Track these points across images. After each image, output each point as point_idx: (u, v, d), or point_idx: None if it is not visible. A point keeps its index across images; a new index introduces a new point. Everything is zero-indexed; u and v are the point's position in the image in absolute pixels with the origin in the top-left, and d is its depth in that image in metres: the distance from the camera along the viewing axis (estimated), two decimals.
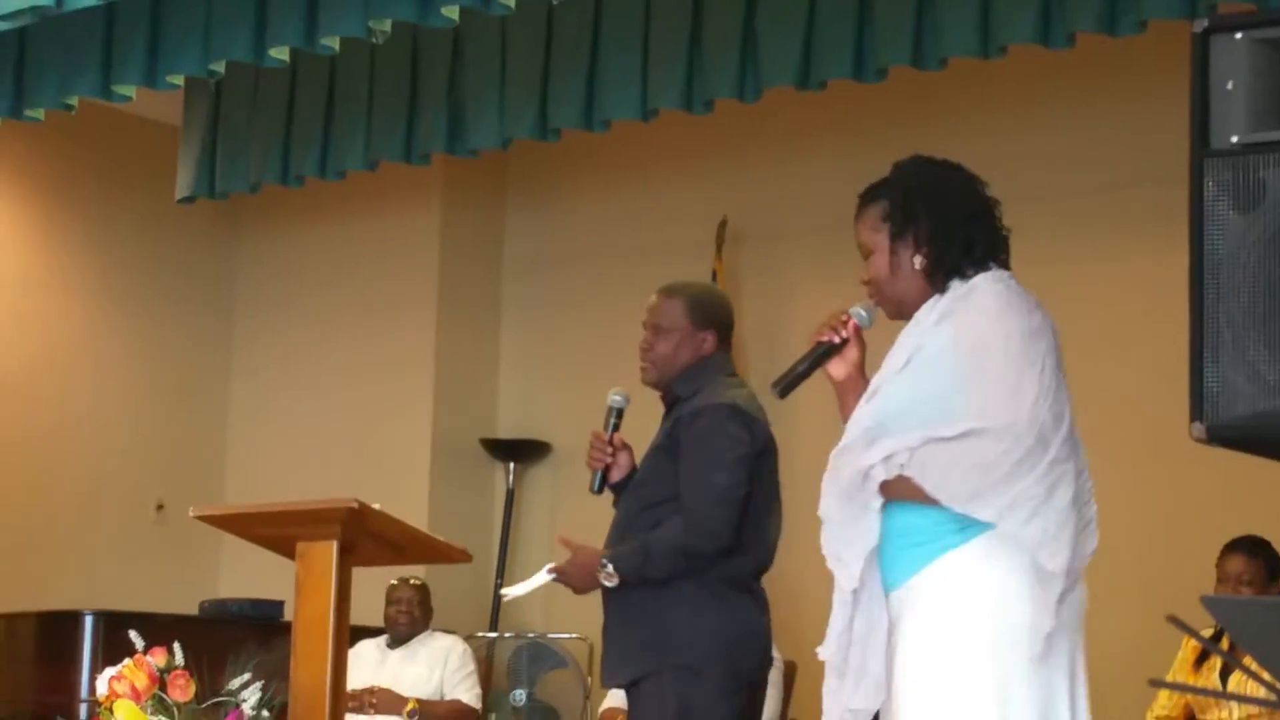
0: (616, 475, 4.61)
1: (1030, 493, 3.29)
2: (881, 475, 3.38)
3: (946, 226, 3.50)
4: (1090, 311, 6.77)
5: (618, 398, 4.63)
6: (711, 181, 8.29)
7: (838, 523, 3.46)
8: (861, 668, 3.47)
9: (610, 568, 4.39)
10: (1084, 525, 3.39)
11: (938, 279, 3.50)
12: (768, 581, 4.64)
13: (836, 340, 3.61)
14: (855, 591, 3.48)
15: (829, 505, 3.46)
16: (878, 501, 3.40)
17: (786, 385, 3.64)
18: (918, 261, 3.52)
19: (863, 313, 3.62)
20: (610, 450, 4.60)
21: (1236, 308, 3.19)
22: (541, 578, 4.55)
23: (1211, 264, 3.23)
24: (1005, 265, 3.54)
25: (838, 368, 3.62)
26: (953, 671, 3.32)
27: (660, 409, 4.66)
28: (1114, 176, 7.04)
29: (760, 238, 8.12)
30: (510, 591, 4.69)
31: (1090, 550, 3.40)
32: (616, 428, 4.63)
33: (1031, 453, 3.29)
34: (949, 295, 3.48)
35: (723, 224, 8.04)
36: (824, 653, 3.55)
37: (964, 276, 3.48)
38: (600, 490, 4.62)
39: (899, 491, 3.38)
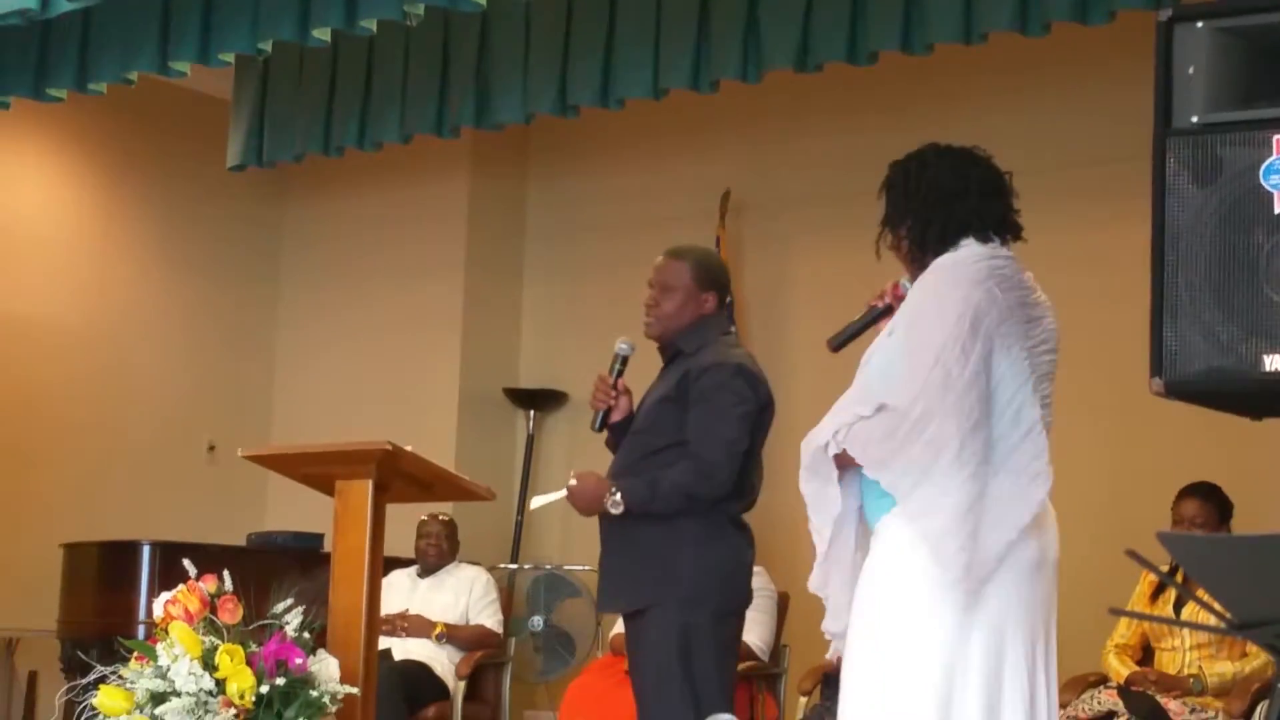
0: (616, 416, 4.62)
1: (915, 460, 3.30)
2: (834, 449, 3.43)
3: (915, 212, 3.55)
4: (1060, 278, 6.75)
5: (624, 346, 4.64)
6: (716, 155, 8.27)
7: (808, 495, 3.51)
8: (841, 593, 3.51)
9: (618, 496, 4.40)
10: (1032, 476, 3.36)
11: (915, 259, 3.56)
12: (765, 520, 4.66)
13: (881, 305, 3.67)
14: (833, 528, 3.51)
15: (801, 481, 3.51)
16: (834, 472, 3.44)
17: (841, 342, 3.73)
18: (903, 247, 3.59)
19: (907, 284, 3.65)
20: (613, 393, 4.61)
21: (1194, 273, 3.19)
22: (559, 495, 4.57)
23: (1172, 234, 3.22)
24: (988, 239, 3.52)
25: (886, 328, 3.67)
26: (883, 611, 3.36)
27: (657, 363, 4.67)
28: (1084, 153, 7.02)
29: (760, 208, 8.11)
30: (535, 502, 4.74)
31: (1039, 498, 3.35)
32: (620, 373, 4.63)
33: (918, 424, 3.29)
34: (926, 269, 3.52)
35: (726, 195, 8.02)
36: (811, 585, 3.60)
37: (935, 251, 3.52)
38: (601, 428, 4.64)
39: (847, 461, 3.43)
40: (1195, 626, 4.93)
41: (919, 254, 3.54)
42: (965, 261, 3.46)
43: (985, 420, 3.32)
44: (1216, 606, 1.84)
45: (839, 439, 3.42)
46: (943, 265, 3.47)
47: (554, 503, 4.65)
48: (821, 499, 3.49)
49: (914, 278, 3.58)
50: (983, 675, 3.28)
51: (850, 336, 3.72)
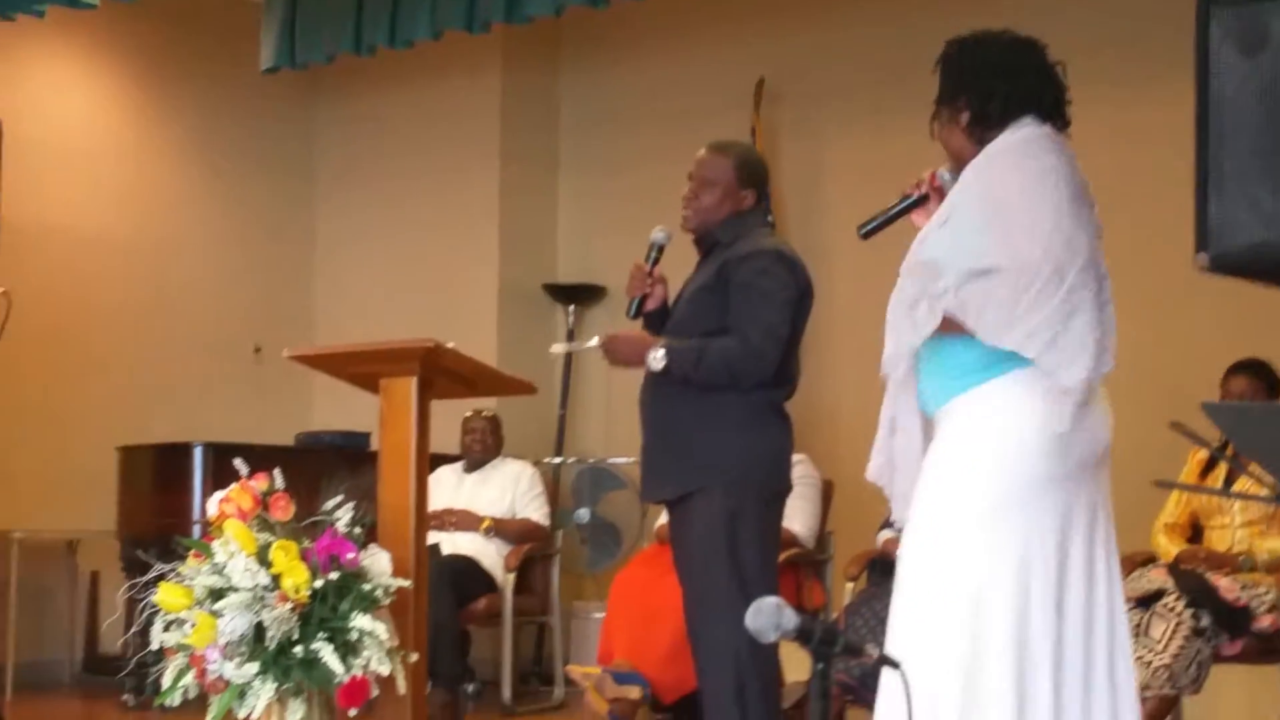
0: (651, 304, 4.61)
1: (1049, 321, 3.28)
2: (925, 309, 3.40)
3: (975, 87, 3.51)
4: (1105, 154, 6.69)
5: (660, 234, 4.62)
6: (749, 44, 8.20)
7: (891, 325, 3.48)
8: (906, 483, 3.50)
9: (662, 353, 4.39)
10: (1102, 351, 3.37)
11: (975, 135, 3.51)
12: (807, 408, 4.66)
13: (917, 194, 3.63)
14: (892, 419, 3.51)
15: (890, 311, 3.48)
16: (927, 327, 3.41)
17: (871, 229, 3.69)
18: (963, 120, 3.53)
19: (945, 175, 3.62)
20: (649, 280, 4.61)
21: (1239, 146, 3.14)
22: (591, 343, 4.56)
23: (1216, 106, 3.17)
24: (1046, 118, 3.50)
25: (920, 218, 3.66)
26: (955, 492, 3.35)
27: (692, 258, 4.65)
28: (1127, 28, 6.92)
29: (795, 96, 8.05)
30: (557, 348, 4.74)
31: (1106, 370, 3.38)
32: (657, 261, 4.62)
33: (1049, 284, 3.28)
34: (985, 150, 3.48)
35: (760, 84, 7.96)
36: (869, 474, 3.59)
37: (998, 126, 3.48)
38: (636, 316, 4.62)
39: (945, 326, 3.39)
40: (1245, 497, 4.92)
41: (979, 129, 3.50)
42: (1033, 138, 3.45)
43: (1094, 281, 3.35)
44: (1268, 479, 1.83)
45: (944, 304, 3.37)
46: (1012, 144, 3.45)
47: (586, 350, 4.62)
48: (903, 327, 3.46)
49: (960, 163, 3.54)
50: (1056, 551, 3.30)
51: (882, 224, 3.68)
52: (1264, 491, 1.93)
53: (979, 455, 3.34)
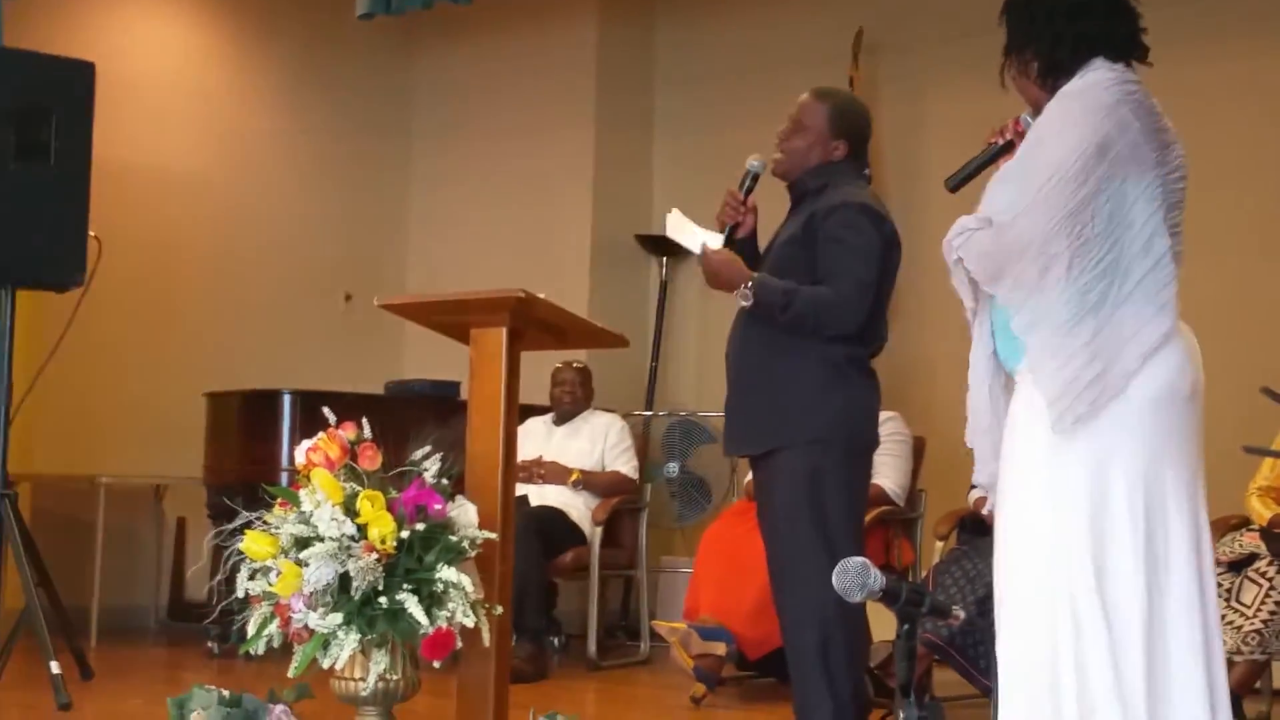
0: (742, 232, 4.61)
1: (1022, 277, 3.25)
2: (951, 253, 3.41)
3: (1041, 32, 3.44)
4: (1206, 114, 6.61)
5: (755, 163, 4.62)
6: None
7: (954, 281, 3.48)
8: (980, 443, 3.48)
9: (751, 288, 4.39)
10: (1159, 306, 3.26)
11: (1047, 84, 3.44)
12: (899, 364, 4.64)
13: (1002, 141, 3.59)
14: (970, 374, 3.48)
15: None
16: (961, 272, 3.41)
17: (959, 181, 3.65)
18: (1032, 71, 3.48)
19: (1029, 120, 3.58)
20: (742, 209, 4.61)
21: None
22: (694, 245, 4.54)
23: None
24: (1119, 59, 3.41)
25: None
26: (1022, 458, 3.31)
27: (784, 205, 4.65)
28: None
29: (894, 48, 8.00)
30: (671, 222, 4.72)
31: (1165, 329, 3.25)
32: (750, 190, 4.61)
33: (1020, 239, 3.25)
34: (1055, 96, 3.43)
35: (859, 35, 7.92)
36: (966, 438, 3.57)
37: (1067, 73, 3.41)
38: (727, 243, 4.59)
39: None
40: None
41: (1049, 77, 3.43)
42: (1097, 85, 3.35)
43: (1101, 241, 3.25)
44: None
45: (955, 245, 3.40)
46: (1072, 91, 3.37)
47: (683, 240, 4.61)
48: (958, 283, 3.46)
49: (1039, 109, 3.51)
50: (1143, 515, 3.22)
51: (969, 175, 3.62)
52: None
53: (1037, 411, 3.29)
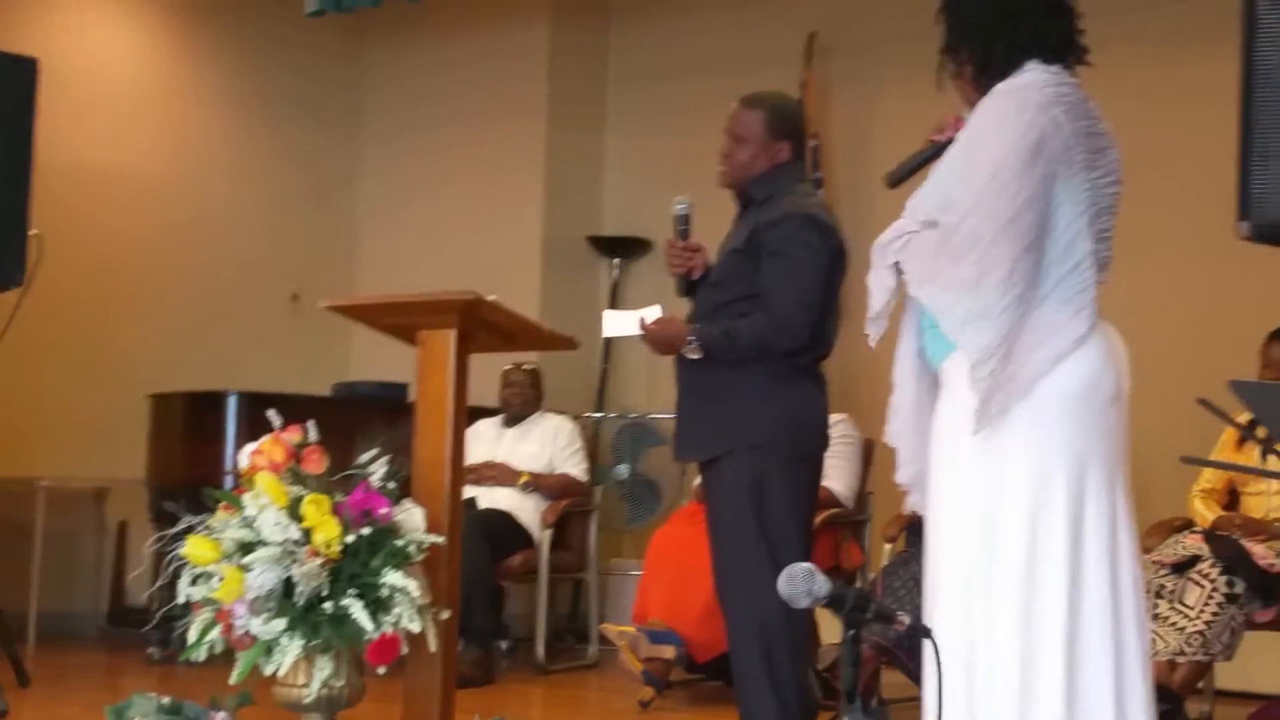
0: (697, 274, 4.64)
1: (961, 277, 3.25)
2: (890, 257, 3.41)
3: (975, 33, 3.45)
4: (1152, 116, 6.67)
5: (681, 206, 4.61)
6: None
7: (869, 283, 3.48)
8: (904, 443, 3.51)
9: (696, 343, 4.45)
10: (1076, 310, 3.29)
11: (982, 85, 3.45)
12: (848, 367, 4.68)
13: (943, 139, 3.60)
14: (894, 372, 3.50)
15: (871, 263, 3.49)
16: (889, 276, 3.42)
17: (899, 177, 3.64)
18: (967, 72, 3.49)
19: (969, 118, 3.59)
20: (686, 255, 4.62)
21: None
22: (634, 329, 4.60)
23: (1262, 73, 3.18)
24: (1054, 61, 3.42)
25: None
26: (951, 457, 3.34)
27: (727, 211, 4.68)
28: None
29: (846, 50, 8.03)
30: (609, 327, 4.78)
31: (1080, 333, 3.28)
32: (686, 233, 4.63)
33: (966, 240, 3.25)
34: (984, 98, 3.44)
35: (812, 36, 7.95)
36: (885, 437, 3.59)
37: (1001, 75, 3.41)
38: (688, 293, 4.65)
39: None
40: (1274, 475, 4.92)
41: (983, 79, 3.44)
42: (1030, 86, 3.36)
43: (1038, 245, 3.27)
44: None
45: (895, 248, 3.39)
46: (1005, 90, 3.37)
47: (628, 336, 4.69)
48: (877, 285, 3.45)
49: (970, 100, 3.51)
50: (1067, 513, 3.26)
51: (909, 172, 3.61)
52: None
53: (967, 412, 3.30)
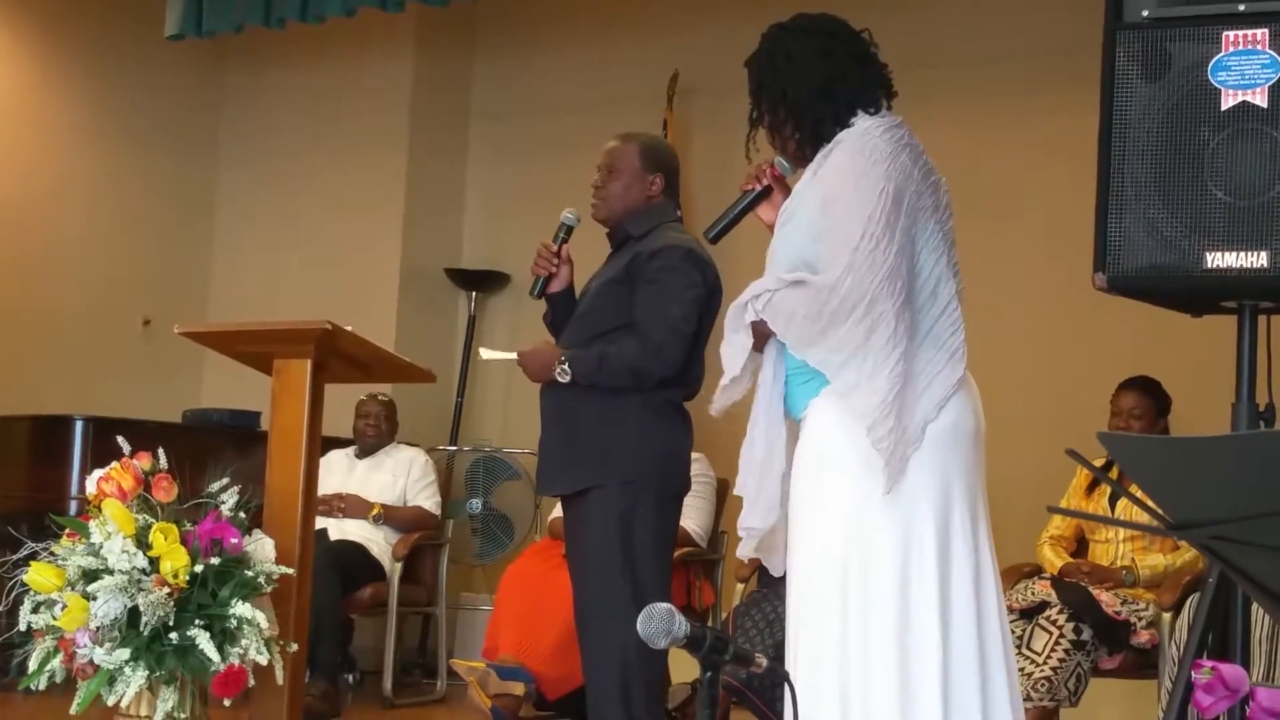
0: (556, 285, 4.66)
1: (845, 341, 3.26)
2: (750, 315, 3.39)
3: (798, 108, 3.47)
4: (1006, 169, 6.78)
5: (570, 215, 4.68)
6: (665, 37, 8.21)
7: (723, 353, 3.46)
8: (758, 489, 3.47)
9: (566, 366, 4.44)
10: (950, 352, 3.34)
11: (805, 151, 3.48)
12: (706, 407, 4.68)
13: (759, 187, 3.61)
14: (751, 422, 3.49)
15: (722, 346, 3.47)
16: (745, 337, 3.40)
17: (719, 231, 3.65)
18: (790, 146, 3.51)
19: (784, 162, 3.60)
20: (556, 260, 4.63)
21: (1140, 168, 3.20)
22: (510, 356, 4.63)
23: (1119, 128, 3.23)
24: (878, 107, 3.46)
25: (767, 212, 3.62)
26: (818, 501, 3.34)
27: (604, 248, 4.69)
28: (1035, 41, 6.99)
29: (709, 91, 8.06)
30: (485, 353, 4.80)
31: (958, 376, 3.33)
32: (564, 241, 4.66)
33: (847, 300, 3.24)
34: (818, 155, 3.45)
35: (674, 77, 7.98)
36: (740, 490, 3.57)
37: (828, 139, 3.44)
38: (539, 295, 4.68)
39: (764, 331, 3.39)
40: (1131, 526, 5.00)
41: (810, 148, 3.46)
42: (872, 133, 3.38)
43: (912, 296, 3.31)
44: (1150, 504, 1.86)
45: (757, 306, 3.37)
46: (850, 144, 3.39)
47: (502, 360, 4.71)
48: (728, 351, 3.42)
49: (795, 164, 3.52)
50: (935, 549, 3.28)
51: (728, 225, 3.61)
52: (1145, 518, 1.96)
53: (848, 450, 3.32)
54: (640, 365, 4.41)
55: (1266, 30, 3.14)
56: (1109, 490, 5.52)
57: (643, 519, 4.39)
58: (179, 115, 9.14)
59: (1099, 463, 4.82)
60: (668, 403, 4.49)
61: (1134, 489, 2.32)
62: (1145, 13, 3.25)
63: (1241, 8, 3.19)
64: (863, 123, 3.43)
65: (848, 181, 3.35)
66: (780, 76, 3.51)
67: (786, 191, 3.59)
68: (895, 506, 3.27)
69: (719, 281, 4.60)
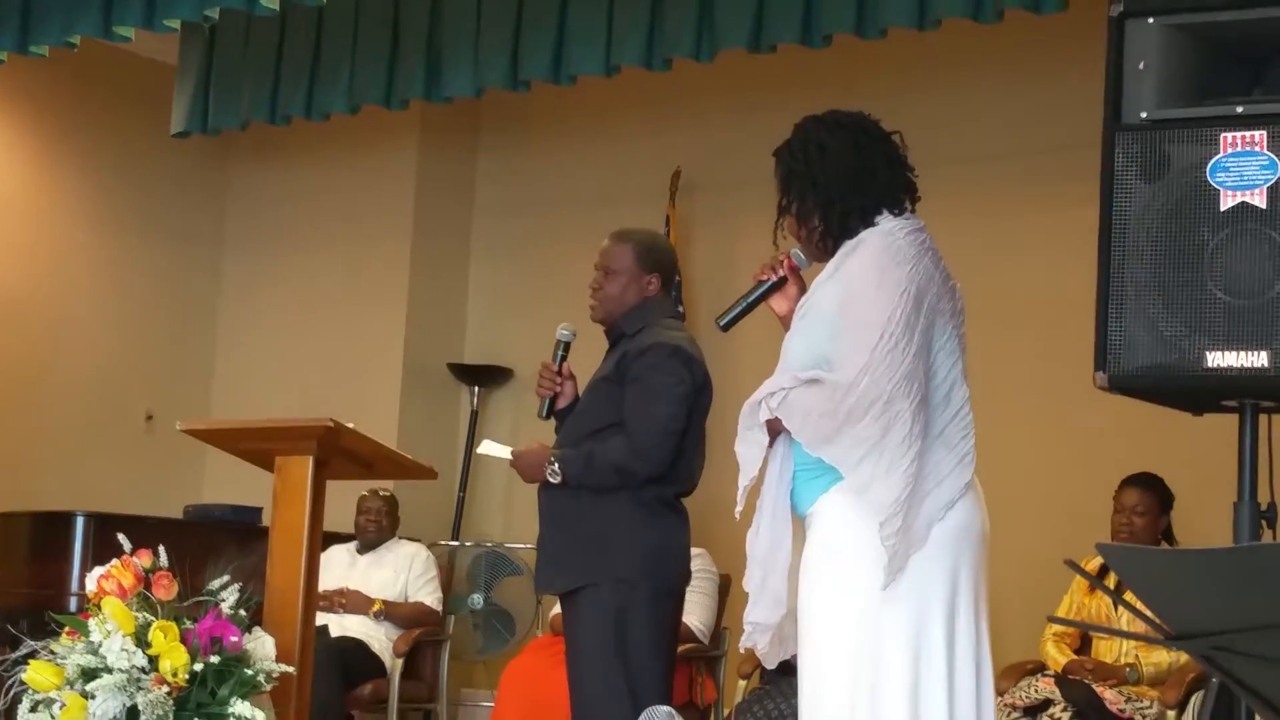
0: (562, 403, 4.66)
1: (860, 439, 3.26)
2: (765, 413, 3.39)
3: (827, 199, 3.48)
4: (1007, 263, 6.80)
5: (565, 332, 4.67)
6: (667, 134, 8.26)
7: (739, 453, 3.46)
8: (762, 584, 3.45)
9: (556, 466, 4.45)
10: (960, 457, 3.36)
11: (828, 244, 3.50)
12: (708, 502, 4.69)
13: (774, 278, 3.62)
14: (758, 517, 3.48)
15: (736, 443, 3.47)
16: (761, 435, 3.40)
17: (730, 320, 3.66)
18: (814, 237, 3.52)
19: (801, 254, 3.62)
20: (558, 379, 4.64)
21: (1139, 268, 3.22)
22: (506, 454, 4.64)
23: (1119, 228, 3.25)
24: (902, 209, 3.49)
25: (780, 303, 3.64)
26: (828, 596, 3.34)
27: (603, 345, 4.70)
28: (1033, 141, 7.04)
29: (711, 187, 8.11)
30: (483, 447, 4.81)
31: (966, 480, 3.35)
32: (564, 359, 4.68)
33: (862, 400, 3.25)
34: (840, 252, 3.47)
35: (676, 174, 8.03)
36: (747, 585, 3.56)
37: (853, 234, 3.46)
38: (548, 416, 4.68)
39: (778, 428, 3.39)
40: (1130, 636, 4.98)
41: (831, 241, 3.49)
42: (896, 234, 3.41)
43: (927, 397, 3.32)
44: (1147, 612, 1.86)
45: (771, 405, 3.37)
46: (873, 243, 3.41)
47: (497, 458, 4.72)
48: (744, 450, 3.42)
49: (814, 256, 3.54)
50: (944, 646, 3.29)
51: (741, 314, 3.64)
52: (1142, 627, 1.95)
53: (858, 547, 3.32)
54: (626, 464, 4.42)
55: (1264, 132, 3.17)
56: (1112, 587, 5.49)
57: (636, 616, 4.37)
58: (183, 210, 9.18)
59: (1092, 566, 4.81)
60: (658, 499, 4.49)
61: (1129, 597, 2.33)
62: (1144, 114, 3.28)
63: (1239, 110, 3.22)
64: (887, 223, 3.45)
65: (870, 280, 3.37)
66: (812, 165, 3.52)
67: (801, 283, 3.61)
68: (906, 603, 3.28)
69: (708, 377, 4.61)
